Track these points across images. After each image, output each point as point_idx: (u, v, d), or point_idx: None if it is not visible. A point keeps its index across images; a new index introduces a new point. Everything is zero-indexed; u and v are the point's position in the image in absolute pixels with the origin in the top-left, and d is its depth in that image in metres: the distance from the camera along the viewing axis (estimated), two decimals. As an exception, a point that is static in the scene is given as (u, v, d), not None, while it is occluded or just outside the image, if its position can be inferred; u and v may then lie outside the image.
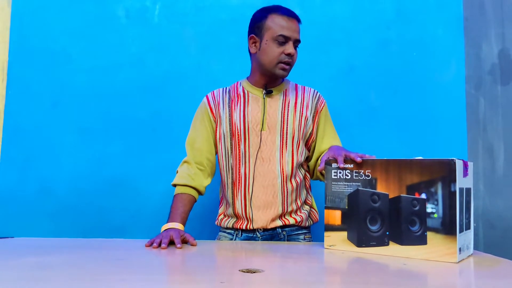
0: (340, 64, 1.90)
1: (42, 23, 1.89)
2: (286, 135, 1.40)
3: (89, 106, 1.87)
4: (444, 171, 1.00)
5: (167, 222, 1.31)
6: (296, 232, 1.45)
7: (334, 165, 1.15)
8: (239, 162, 1.41)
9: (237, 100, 1.44)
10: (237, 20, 1.90)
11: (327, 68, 1.89)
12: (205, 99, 1.48)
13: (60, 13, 1.89)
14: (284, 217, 1.41)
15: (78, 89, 1.87)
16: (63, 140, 1.85)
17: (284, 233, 1.42)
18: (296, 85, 1.50)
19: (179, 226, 1.30)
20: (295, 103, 1.44)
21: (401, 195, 1.05)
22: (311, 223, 1.50)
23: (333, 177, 1.15)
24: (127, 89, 1.88)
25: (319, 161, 1.46)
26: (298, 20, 1.38)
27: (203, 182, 1.45)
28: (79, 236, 1.79)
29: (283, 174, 1.39)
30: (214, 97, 1.47)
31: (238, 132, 1.40)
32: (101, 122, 1.87)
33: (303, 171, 1.48)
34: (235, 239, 1.44)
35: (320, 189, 1.70)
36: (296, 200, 1.43)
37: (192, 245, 1.22)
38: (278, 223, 1.40)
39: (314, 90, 1.50)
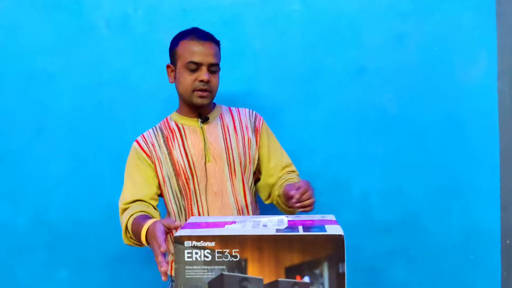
0: (348, 65, 1.72)
1: (17, 43, 1.76)
2: (234, 162, 1.36)
3: (75, 129, 1.76)
4: (330, 249, 0.83)
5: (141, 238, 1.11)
6: None
7: (187, 243, 0.88)
8: (191, 202, 1.35)
9: (173, 136, 1.37)
10: (228, 22, 1.73)
11: (333, 70, 1.72)
12: (135, 144, 1.39)
13: (34, 30, 1.75)
14: None
15: (62, 111, 1.76)
16: (52, 168, 1.77)
17: None
18: (229, 108, 1.45)
19: (149, 223, 1.09)
20: (234, 126, 1.40)
21: (279, 279, 0.85)
22: None
23: (186, 259, 0.87)
24: (115, 107, 1.76)
25: (277, 188, 1.37)
26: (214, 41, 1.33)
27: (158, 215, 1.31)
28: (76, 267, 1.76)
29: (237, 205, 1.36)
30: (146, 140, 1.39)
31: (183, 170, 1.33)
32: (90, 145, 1.76)
33: (252, 194, 1.45)
34: None
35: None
36: None
37: (175, 227, 1.01)
38: None
39: (249, 110, 1.45)
